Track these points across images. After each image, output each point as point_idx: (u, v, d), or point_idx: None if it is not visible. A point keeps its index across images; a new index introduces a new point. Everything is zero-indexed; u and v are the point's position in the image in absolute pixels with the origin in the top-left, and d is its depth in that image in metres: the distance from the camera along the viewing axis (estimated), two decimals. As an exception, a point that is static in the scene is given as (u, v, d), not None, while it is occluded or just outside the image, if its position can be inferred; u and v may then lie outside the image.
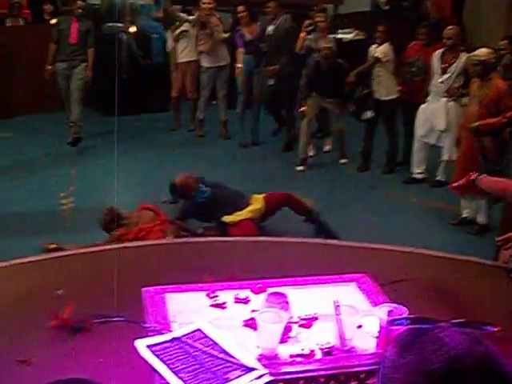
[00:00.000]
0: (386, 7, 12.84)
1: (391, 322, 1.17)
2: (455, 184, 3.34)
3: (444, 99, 7.46)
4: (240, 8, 9.33)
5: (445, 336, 1.07)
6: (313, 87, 8.44)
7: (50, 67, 9.05)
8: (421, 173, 7.99)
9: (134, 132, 9.45)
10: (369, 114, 8.25)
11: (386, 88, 8.15)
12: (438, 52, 7.54)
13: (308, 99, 8.53)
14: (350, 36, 11.59)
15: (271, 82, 9.03)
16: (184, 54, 9.85)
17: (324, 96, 8.46)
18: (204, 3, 9.26)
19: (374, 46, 8.26)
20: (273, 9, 8.93)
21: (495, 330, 1.14)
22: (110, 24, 10.40)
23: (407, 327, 1.15)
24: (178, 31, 9.69)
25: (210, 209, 5.99)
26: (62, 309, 2.44)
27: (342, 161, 8.88)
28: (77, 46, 8.96)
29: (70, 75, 8.99)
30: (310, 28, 8.67)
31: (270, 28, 8.87)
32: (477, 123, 6.14)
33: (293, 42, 8.80)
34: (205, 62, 9.59)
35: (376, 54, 8.09)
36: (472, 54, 6.33)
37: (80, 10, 9.20)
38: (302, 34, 8.69)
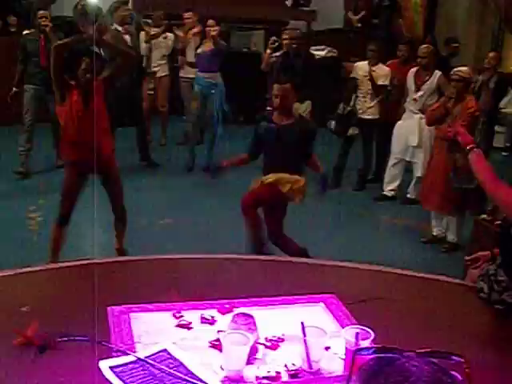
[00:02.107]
0: (358, 25, 12.93)
1: (356, 351, 1.13)
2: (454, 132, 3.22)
3: (417, 116, 7.55)
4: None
5: (411, 366, 1.05)
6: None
7: (15, 89, 8.23)
8: (392, 190, 8.03)
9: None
10: (333, 125, 8.25)
11: (372, 108, 8.16)
12: (412, 70, 7.65)
13: None
14: (322, 53, 11.65)
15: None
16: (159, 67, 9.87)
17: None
18: (185, 17, 9.23)
19: (362, 62, 8.20)
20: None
21: (462, 360, 1.12)
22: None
23: (372, 356, 1.11)
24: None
25: None
26: (27, 326, 2.39)
27: None
28: (48, 69, 8.11)
29: (41, 99, 8.12)
30: (275, 45, 8.56)
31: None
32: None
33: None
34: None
35: (381, 82, 8.05)
36: (456, 69, 6.37)
37: (45, 23, 8.00)
38: (268, 51, 8.62)
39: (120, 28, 8.41)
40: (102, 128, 5.20)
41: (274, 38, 8.61)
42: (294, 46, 8.26)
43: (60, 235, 5.24)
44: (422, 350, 1.11)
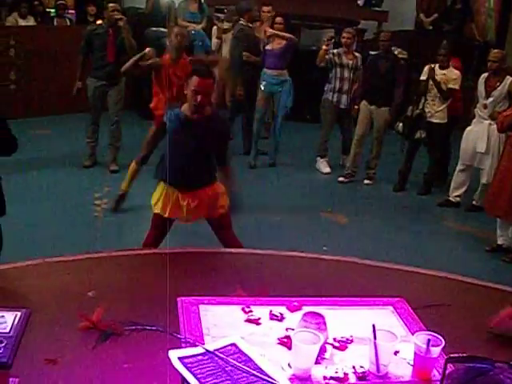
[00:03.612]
0: (430, 27, 12.77)
1: (446, 360, 1.12)
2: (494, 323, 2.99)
3: (487, 122, 7.42)
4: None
5: (505, 378, 1.03)
6: (367, 85, 8.38)
7: (79, 83, 7.99)
8: (458, 196, 7.91)
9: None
10: (400, 127, 8.18)
11: (440, 112, 8.05)
12: (483, 75, 7.51)
13: (360, 109, 8.46)
14: (393, 54, 11.54)
15: None
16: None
17: (374, 103, 8.35)
18: (264, 11, 9.23)
19: (432, 65, 8.08)
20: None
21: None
22: (154, 28, 10.34)
23: (463, 365, 1.10)
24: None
25: None
26: (92, 311, 2.43)
27: (367, 182, 8.66)
28: (115, 64, 7.67)
29: (104, 93, 7.94)
30: (331, 42, 8.52)
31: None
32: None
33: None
34: None
35: (451, 86, 7.91)
36: None
37: (118, 16, 7.63)
38: (324, 47, 8.56)
39: (250, 24, 8.79)
40: None
41: (330, 34, 8.60)
42: (383, 47, 8.39)
43: (137, 171, 5.59)
44: (515, 362, 1.09)
